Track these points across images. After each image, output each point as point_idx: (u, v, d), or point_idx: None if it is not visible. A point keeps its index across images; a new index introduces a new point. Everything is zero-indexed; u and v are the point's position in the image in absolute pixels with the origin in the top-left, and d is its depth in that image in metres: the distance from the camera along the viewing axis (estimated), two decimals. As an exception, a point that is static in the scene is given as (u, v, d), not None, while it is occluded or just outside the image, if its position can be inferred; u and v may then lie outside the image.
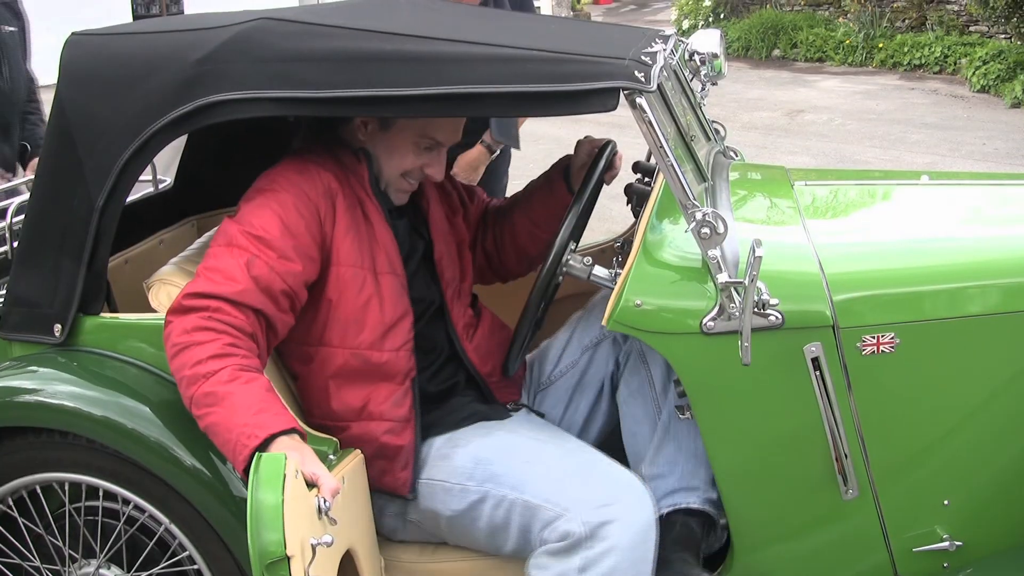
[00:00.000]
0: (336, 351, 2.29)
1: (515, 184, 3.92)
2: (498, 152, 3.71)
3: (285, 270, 2.19)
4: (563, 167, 2.70)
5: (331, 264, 2.28)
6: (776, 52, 15.46)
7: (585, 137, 2.69)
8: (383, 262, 2.33)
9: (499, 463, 2.26)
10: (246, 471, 1.98)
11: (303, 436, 2.05)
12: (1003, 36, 12.61)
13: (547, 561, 2.15)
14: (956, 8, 13.64)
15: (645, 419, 2.47)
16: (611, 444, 2.52)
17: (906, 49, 13.47)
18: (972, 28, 13.38)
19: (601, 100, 2.03)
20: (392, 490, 2.31)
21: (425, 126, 2.38)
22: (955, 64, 12.72)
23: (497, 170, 3.84)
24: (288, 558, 1.81)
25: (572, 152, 2.70)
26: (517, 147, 3.79)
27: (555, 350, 2.65)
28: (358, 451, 2.25)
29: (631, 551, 2.11)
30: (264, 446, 1.98)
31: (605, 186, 2.59)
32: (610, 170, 2.59)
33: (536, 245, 2.69)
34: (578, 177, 2.65)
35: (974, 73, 11.70)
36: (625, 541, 2.10)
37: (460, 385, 2.47)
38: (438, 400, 2.43)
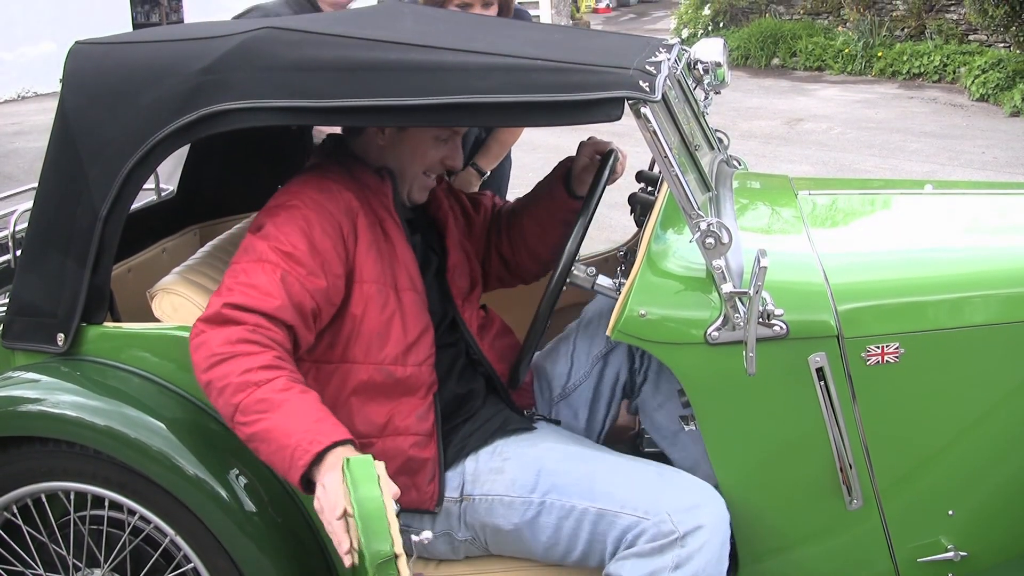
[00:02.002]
0: (360, 367, 2.28)
1: (515, 192, 3.92)
2: (488, 174, 3.72)
3: (314, 287, 2.19)
4: (564, 170, 2.70)
5: (355, 281, 2.28)
6: (775, 61, 15.47)
7: (588, 138, 2.68)
8: (404, 279, 2.34)
9: (562, 473, 2.26)
10: (302, 478, 1.99)
11: (356, 448, 2.05)
12: (1002, 45, 12.62)
13: (636, 562, 2.14)
14: (955, 17, 13.65)
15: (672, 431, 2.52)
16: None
17: (905, 58, 13.49)
18: (971, 37, 13.39)
19: (605, 110, 2.03)
20: (418, 505, 2.30)
21: None
22: (954, 73, 12.73)
23: (499, 176, 3.84)
24: (396, 556, 1.81)
25: (571, 156, 2.70)
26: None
27: (561, 363, 2.63)
28: (381, 463, 2.23)
29: (719, 549, 2.13)
30: (324, 453, 1.98)
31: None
32: (611, 175, 2.60)
33: (545, 247, 2.70)
34: (580, 179, 2.66)
35: (973, 82, 11.71)
36: (714, 542, 2.12)
37: (480, 389, 2.47)
38: (463, 406, 2.42)
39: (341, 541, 1.92)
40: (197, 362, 2.11)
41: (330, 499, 1.93)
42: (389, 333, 2.29)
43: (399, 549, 1.81)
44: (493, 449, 2.35)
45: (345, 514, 1.91)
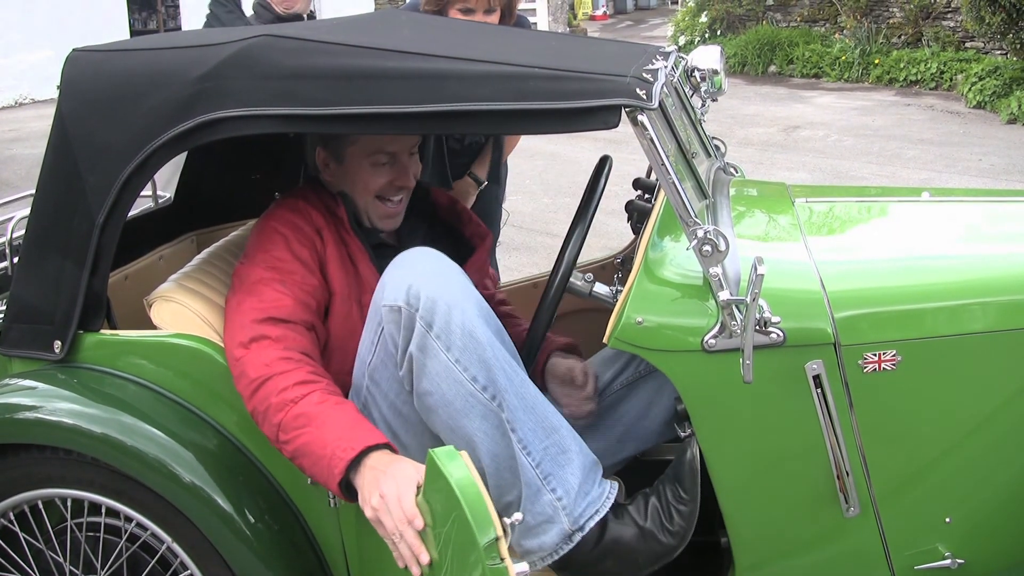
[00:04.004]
0: None
1: (512, 199, 3.93)
2: (485, 183, 3.72)
3: (311, 287, 2.30)
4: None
5: (328, 292, 2.36)
6: (772, 68, 15.50)
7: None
8: (368, 298, 2.36)
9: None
10: (340, 484, 2.00)
11: (393, 452, 2.05)
12: (999, 52, 12.66)
13: (416, 357, 2.10)
14: (952, 24, 13.70)
15: None
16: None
17: (902, 65, 13.53)
18: (968, 44, 13.44)
19: (603, 118, 2.03)
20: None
21: (372, 144, 2.44)
22: (951, 80, 12.77)
23: (489, 199, 3.82)
24: (497, 538, 1.81)
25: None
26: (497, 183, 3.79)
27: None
28: (464, 452, 2.21)
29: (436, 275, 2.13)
30: (360, 458, 2.00)
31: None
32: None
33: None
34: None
35: (970, 89, 11.75)
36: (436, 282, 2.10)
37: None
38: None
39: (420, 553, 1.91)
40: (241, 391, 2.18)
41: (397, 512, 1.92)
42: (349, 346, 2.33)
43: (500, 531, 1.81)
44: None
45: (424, 526, 1.91)
